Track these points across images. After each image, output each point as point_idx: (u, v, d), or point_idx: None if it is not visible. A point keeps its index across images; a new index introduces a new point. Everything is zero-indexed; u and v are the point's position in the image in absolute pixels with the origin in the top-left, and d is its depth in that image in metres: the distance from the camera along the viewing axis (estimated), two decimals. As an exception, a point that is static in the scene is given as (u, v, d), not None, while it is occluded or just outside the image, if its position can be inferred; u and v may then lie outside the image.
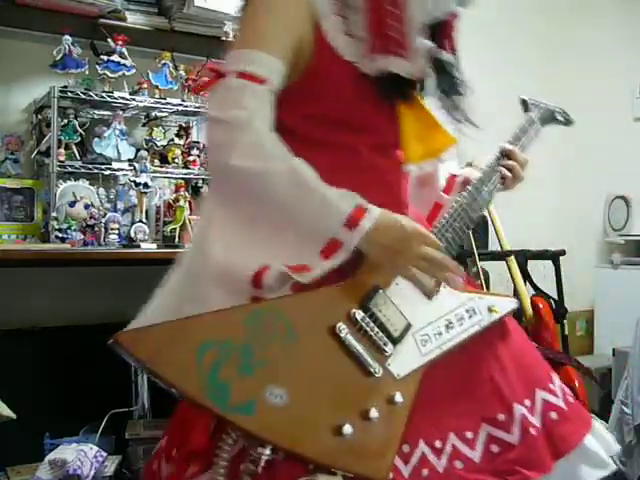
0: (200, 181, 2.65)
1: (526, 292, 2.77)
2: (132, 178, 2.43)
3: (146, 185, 2.44)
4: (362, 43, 1.13)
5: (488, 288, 2.83)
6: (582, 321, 3.84)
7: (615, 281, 3.66)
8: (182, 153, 2.63)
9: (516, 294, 2.78)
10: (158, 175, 2.58)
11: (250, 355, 0.93)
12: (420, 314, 1.12)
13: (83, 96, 2.36)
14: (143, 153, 2.49)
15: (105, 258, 2.27)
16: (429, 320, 1.13)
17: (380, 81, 1.14)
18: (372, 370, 1.02)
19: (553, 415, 1.19)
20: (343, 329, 1.01)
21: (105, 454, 2.12)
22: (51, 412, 2.24)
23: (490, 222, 2.90)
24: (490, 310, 1.20)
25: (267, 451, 0.92)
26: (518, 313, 2.80)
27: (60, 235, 2.27)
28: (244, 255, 1.02)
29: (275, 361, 0.95)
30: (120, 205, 2.49)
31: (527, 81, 3.20)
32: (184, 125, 2.70)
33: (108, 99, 2.40)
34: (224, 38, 2.46)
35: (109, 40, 2.44)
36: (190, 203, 2.53)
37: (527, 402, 1.18)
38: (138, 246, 2.37)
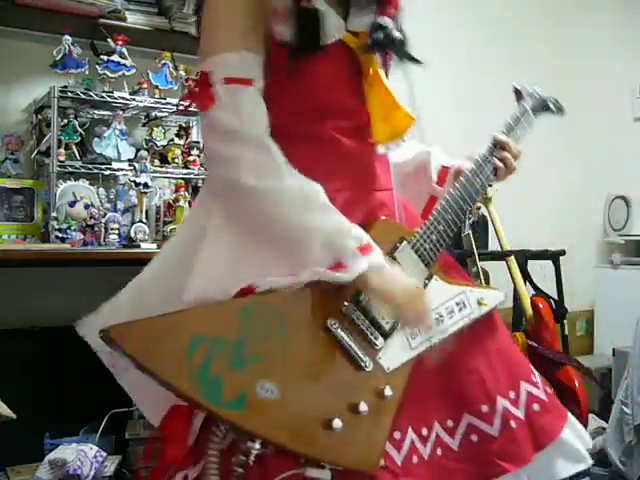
0: (200, 181, 2.65)
1: (526, 292, 2.77)
2: (132, 178, 2.43)
3: (146, 185, 2.44)
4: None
5: (488, 288, 2.82)
6: (582, 321, 3.85)
7: (615, 281, 3.66)
8: (182, 153, 2.63)
9: (516, 294, 2.79)
10: (158, 175, 2.58)
11: (242, 350, 0.93)
12: None
13: (83, 96, 2.36)
14: (143, 153, 2.49)
15: (105, 258, 2.27)
16: None
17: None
18: (363, 364, 1.03)
19: (535, 407, 1.21)
20: (335, 324, 1.01)
21: (105, 454, 2.12)
22: (51, 412, 2.24)
23: (490, 222, 2.90)
24: (479, 303, 1.21)
25: (257, 445, 0.92)
26: (518, 313, 2.81)
27: (60, 235, 2.27)
28: (229, 272, 1.00)
29: (267, 356, 0.95)
30: (120, 205, 2.49)
31: (527, 80, 3.20)
32: (184, 125, 2.70)
33: (108, 99, 2.41)
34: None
35: (109, 40, 2.45)
36: (190, 203, 2.53)
37: (512, 394, 1.19)
38: (138, 246, 2.37)
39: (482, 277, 2.60)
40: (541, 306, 2.72)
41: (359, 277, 1.01)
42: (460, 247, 2.68)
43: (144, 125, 2.66)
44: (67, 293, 2.45)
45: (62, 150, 2.36)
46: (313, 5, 1.07)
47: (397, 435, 1.07)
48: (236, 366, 0.92)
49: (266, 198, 1.02)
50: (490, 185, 1.31)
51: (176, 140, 2.66)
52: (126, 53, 2.47)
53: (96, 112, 2.54)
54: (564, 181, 3.81)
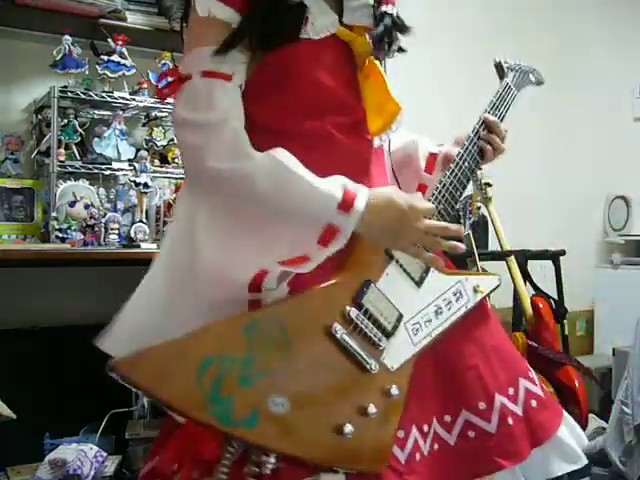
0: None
1: (526, 292, 2.78)
2: (132, 178, 2.43)
3: (146, 185, 2.44)
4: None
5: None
6: (582, 321, 3.85)
7: (615, 281, 3.66)
8: (182, 153, 2.63)
9: (516, 294, 2.79)
10: (158, 175, 2.58)
11: (251, 366, 0.92)
12: (410, 303, 1.12)
13: (83, 96, 2.36)
14: (143, 153, 2.49)
15: (105, 258, 2.27)
16: (419, 308, 1.13)
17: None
18: (368, 367, 1.03)
19: (533, 403, 1.21)
20: (339, 329, 1.01)
21: (105, 454, 2.12)
22: (51, 412, 2.24)
23: (490, 222, 2.90)
24: (475, 291, 1.21)
25: (272, 459, 0.92)
26: (518, 313, 2.81)
27: (60, 235, 2.27)
28: (237, 259, 1.00)
29: (275, 369, 0.94)
30: (120, 205, 2.49)
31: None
32: (184, 125, 2.69)
33: (108, 99, 2.41)
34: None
35: (109, 40, 2.45)
36: (190, 203, 2.53)
37: (511, 390, 1.20)
38: (138, 246, 2.37)
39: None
40: (541, 306, 2.73)
41: (359, 223, 1.01)
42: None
43: (144, 125, 2.66)
44: (67, 293, 2.46)
45: (62, 150, 2.36)
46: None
47: (400, 434, 1.07)
48: (246, 384, 0.91)
49: (241, 178, 1.01)
50: (480, 168, 1.30)
51: (176, 140, 2.66)
52: (126, 53, 2.47)
53: (96, 112, 2.54)
54: (564, 181, 3.81)
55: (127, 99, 2.45)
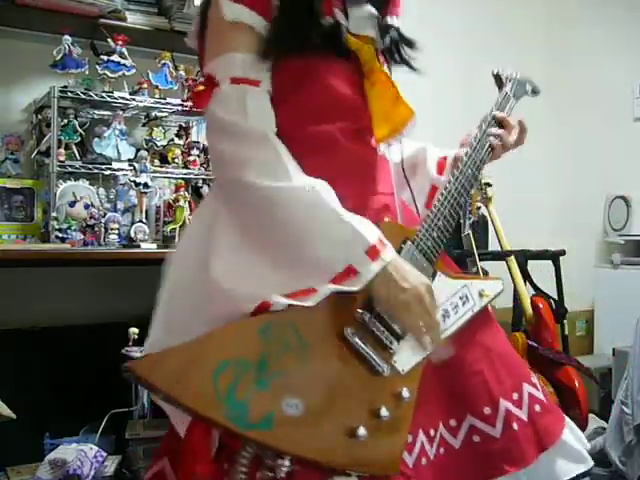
0: (200, 181, 2.65)
1: (526, 292, 2.78)
2: (132, 178, 2.43)
3: (146, 185, 2.44)
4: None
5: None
6: (582, 321, 3.84)
7: (615, 281, 3.66)
8: (182, 153, 2.63)
9: (516, 294, 2.79)
10: (158, 175, 2.58)
11: (266, 369, 0.93)
12: None
13: (83, 96, 2.36)
14: (143, 153, 2.49)
15: (105, 258, 2.27)
16: None
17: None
18: (380, 370, 1.03)
19: (537, 408, 1.21)
20: (351, 332, 1.01)
21: (105, 454, 2.12)
22: (51, 412, 2.24)
23: (490, 222, 2.90)
24: (481, 295, 1.22)
25: (286, 462, 0.92)
26: (518, 313, 2.81)
27: (60, 235, 2.27)
28: (246, 282, 1.01)
29: (289, 371, 0.95)
30: (120, 205, 2.49)
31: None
32: (184, 125, 2.70)
33: (108, 99, 2.40)
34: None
35: (109, 40, 2.44)
36: (190, 203, 2.53)
37: (515, 396, 1.20)
38: (138, 246, 2.37)
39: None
40: (541, 306, 2.72)
41: (370, 283, 1.01)
42: (460, 247, 2.68)
43: (144, 125, 2.66)
44: (67, 293, 2.46)
45: (62, 150, 2.36)
46: (336, 19, 1.12)
47: (408, 438, 1.07)
48: (262, 386, 0.92)
49: (276, 198, 1.02)
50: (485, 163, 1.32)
51: (176, 140, 2.66)
52: (126, 53, 2.47)
53: (96, 112, 2.54)
54: (564, 181, 3.81)
55: (127, 99, 2.45)
